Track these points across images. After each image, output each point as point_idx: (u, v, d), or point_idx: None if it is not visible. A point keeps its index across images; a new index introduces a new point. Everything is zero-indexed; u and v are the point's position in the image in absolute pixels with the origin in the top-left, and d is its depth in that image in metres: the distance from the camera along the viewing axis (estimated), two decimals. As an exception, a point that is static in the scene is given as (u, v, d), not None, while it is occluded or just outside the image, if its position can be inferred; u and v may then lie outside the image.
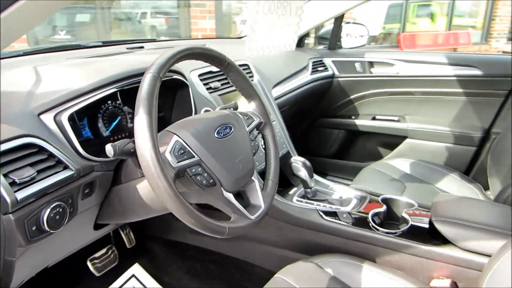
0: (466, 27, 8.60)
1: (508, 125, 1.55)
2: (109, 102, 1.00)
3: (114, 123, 1.02)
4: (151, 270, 1.50)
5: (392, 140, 2.01)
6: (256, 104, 1.02)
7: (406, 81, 1.94)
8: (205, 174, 0.79)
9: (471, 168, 1.84)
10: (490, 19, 8.46)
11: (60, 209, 0.76)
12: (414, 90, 1.94)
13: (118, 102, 1.02)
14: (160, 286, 1.45)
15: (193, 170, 0.77)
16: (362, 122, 2.07)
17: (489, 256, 0.89)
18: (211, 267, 1.46)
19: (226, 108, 1.02)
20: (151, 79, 0.72)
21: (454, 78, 1.82)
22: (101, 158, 0.87)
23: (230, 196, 0.84)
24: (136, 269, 1.50)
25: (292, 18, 1.27)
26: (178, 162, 0.75)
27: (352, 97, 2.10)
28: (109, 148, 0.73)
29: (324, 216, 1.19)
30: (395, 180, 1.62)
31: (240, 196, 0.90)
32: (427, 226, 1.12)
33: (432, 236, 1.08)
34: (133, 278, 1.48)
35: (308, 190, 1.30)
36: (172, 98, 1.17)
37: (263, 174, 1.02)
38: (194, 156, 0.78)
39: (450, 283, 1.04)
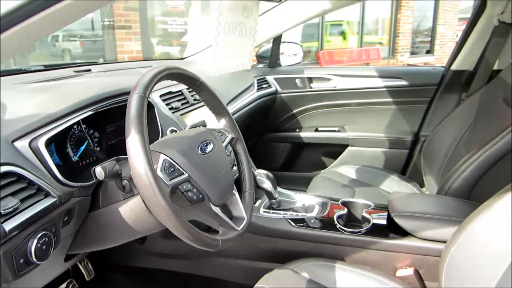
0: (375, 44, 9.45)
1: (435, 128, 1.77)
2: (75, 127, 0.96)
3: (82, 148, 0.98)
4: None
5: (335, 149, 2.16)
6: (226, 120, 1.06)
7: (343, 94, 2.11)
8: (195, 190, 0.80)
9: (406, 169, 2.04)
10: (394, 36, 9.38)
11: (46, 239, 0.72)
12: (351, 101, 2.11)
13: (83, 126, 0.99)
14: None
15: (184, 186, 0.79)
16: (306, 134, 2.20)
17: (445, 242, 1.00)
18: (179, 289, 1.44)
19: (196, 126, 1.04)
20: (139, 99, 0.73)
21: (385, 89, 2.03)
22: (79, 183, 0.84)
23: (218, 210, 0.86)
24: (98, 302, 1.41)
25: (247, 38, 1.33)
26: (170, 180, 0.76)
27: (295, 111, 2.21)
28: (99, 170, 0.72)
29: (292, 223, 1.25)
30: (345, 185, 1.74)
31: (224, 209, 0.92)
32: (386, 222, 1.23)
33: (392, 230, 1.19)
34: (95, 313, 1.39)
35: (273, 200, 1.35)
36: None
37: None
38: (183, 173, 0.79)
39: (413, 271, 1.15)
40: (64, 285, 1.29)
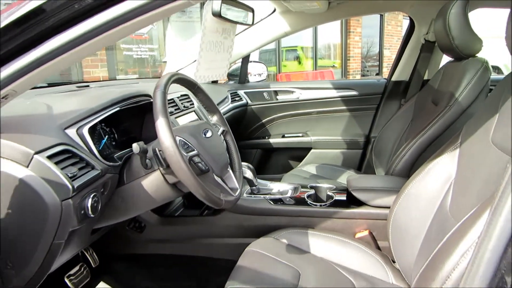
0: (328, 67, 10.10)
1: (382, 129, 2.13)
2: (99, 124, 1.20)
3: (103, 141, 1.22)
4: (116, 286, 1.61)
5: (300, 152, 2.48)
6: (217, 117, 1.33)
7: (305, 104, 2.45)
8: (203, 162, 1.06)
9: (361, 165, 2.39)
10: (346, 59, 10.09)
11: (96, 199, 0.95)
12: (312, 110, 2.45)
13: (103, 124, 1.23)
14: None
15: (195, 159, 1.04)
16: (274, 140, 2.50)
17: (389, 207, 1.31)
18: (175, 270, 1.64)
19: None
20: (162, 94, 0.99)
21: (340, 98, 2.39)
22: (110, 163, 1.07)
23: (219, 180, 1.12)
24: (103, 285, 1.59)
25: (224, 54, 1.62)
26: (187, 153, 1.02)
27: (263, 120, 2.52)
28: (135, 146, 0.97)
29: (271, 202, 1.52)
30: (310, 180, 2.04)
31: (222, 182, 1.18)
32: (345, 198, 1.54)
33: (350, 203, 1.50)
34: (101, 296, 1.57)
35: (254, 187, 1.61)
36: (141, 121, 1.40)
37: None
38: (194, 150, 1.05)
39: (368, 233, 1.45)
40: (77, 267, 1.47)
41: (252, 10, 1.57)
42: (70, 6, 0.71)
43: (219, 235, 1.59)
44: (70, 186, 0.85)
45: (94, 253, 1.62)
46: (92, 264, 1.60)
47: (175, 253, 1.64)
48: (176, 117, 1.55)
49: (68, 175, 0.87)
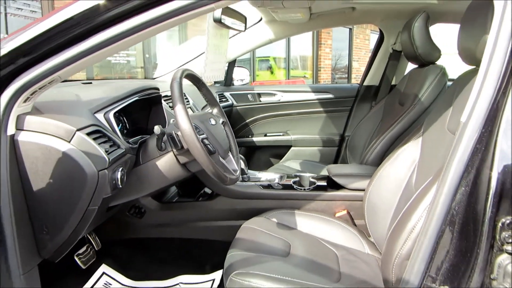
0: (300, 77, 10.45)
1: (355, 129, 2.38)
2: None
3: (118, 128, 1.37)
4: (117, 268, 1.74)
5: (281, 150, 2.69)
6: (217, 109, 1.52)
7: (286, 105, 2.67)
8: (211, 144, 1.24)
9: (337, 161, 2.63)
10: (317, 70, 10.48)
11: (123, 173, 1.11)
12: (292, 111, 2.68)
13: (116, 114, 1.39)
14: (128, 280, 1.71)
15: (205, 141, 1.22)
16: (257, 139, 2.71)
17: (364, 190, 1.53)
18: (174, 252, 1.80)
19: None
20: (178, 85, 1.17)
21: (317, 101, 2.63)
22: (130, 145, 1.23)
23: (223, 161, 1.30)
24: (104, 268, 1.72)
25: (222, 56, 1.82)
26: (199, 135, 1.20)
27: (247, 120, 2.72)
28: (157, 128, 1.14)
29: (262, 187, 1.72)
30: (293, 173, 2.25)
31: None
32: (326, 183, 1.75)
33: (330, 187, 1.71)
34: (104, 276, 1.70)
35: (245, 176, 1.80)
36: (147, 113, 1.57)
37: None
38: (204, 133, 1.24)
39: (346, 213, 1.67)
40: (84, 248, 1.60)
41: (245, 18, 1.77)
42: (111, 10, 0.89)
43: (214, 218, 1.76)
44: (107, 158, 1.01)
45: (97, 238, 1.75)
46: (95, 247, 1.72)
47: (173, 237, 1.79)
48: (176, 111, 1.72)
49: (106, 149, 1.03)
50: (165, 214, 1.77)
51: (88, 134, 1.04)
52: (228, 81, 2.73)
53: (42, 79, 0.93)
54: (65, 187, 1.02)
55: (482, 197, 0.76)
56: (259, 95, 2.71)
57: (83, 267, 1.55)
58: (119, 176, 1.08)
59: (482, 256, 0.76)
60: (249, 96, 2.69)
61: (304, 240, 1.45)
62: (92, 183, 1.01)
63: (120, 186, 1.09)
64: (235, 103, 2.69)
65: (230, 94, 2.68)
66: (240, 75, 2.83)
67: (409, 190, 1.27)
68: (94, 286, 1.65)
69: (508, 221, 0.73)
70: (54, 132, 0.99)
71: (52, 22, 0.88)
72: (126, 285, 1.70)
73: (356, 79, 11.60)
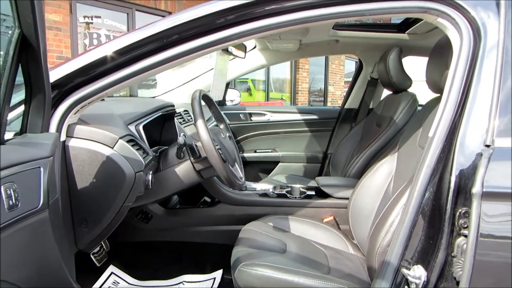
0: (278, 99, 10.78)
1: (337, 147, 2.64)
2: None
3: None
4: (124, 268, 1.90)
5: (269, 166, 2.93)
6: (224, 125, 1.74)
7: (274, 125, 2.93)
8: (224, 154, 1.46)
9: (320, 176, 2.87)
10: (294, 93, 10.86)
11: (152, 176, 1.31)
12: (280, 130, 2.95)
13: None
14: (135, 280, 1.87)
15: (220, 151, 1.44)
16: (248, 155, 2.93)
17: (348, 198, 1.77)
18: (177, 254, 1.97)
19: None
20: (198, 103, 1.39)
21: (303, 121, 2.90)
22: (154, 153, 1.43)
23: (232, 169, 1.52)
24: (113, 268, 1.88)
25: (223, 79, 2.06)
26: (215, 146, 1.41)
27: (239, 138, 2.95)
28: (181, 138, 1.35)
29: (259, 195, 1.93)
30: (281, 185, 2.48)
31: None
32: (314, 193, 1.98)
33: (319, 196, 1.95)
34: (112, 275, 1.86)
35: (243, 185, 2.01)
36: (160, 128, 1.77)
37: None
38: (218, 145, 1.45)
39: (333, 218, 1.90)
40: (98, 248, 1.76)
41: (245, 47, 2.02)
42: (157, 41, 1.11)
43: (214, 223, 1.95)
44: (143, 162, 1.21)
45: (106, 240, 1.91)
46: (105, 249, 1.88)
47: (177, 240, 1.97)
48: (184, 127, 1.93)
49: (140, 155, 1.23)
50: (170, 219, 1.95)
51: (127, 142, 1.24)
52: (222, 101, 2.97)
53: (93, 96, 1.13)
54: (106, 186, 1.21)
55: (444, 194, 1.00)
56: (250, 114, 2.96)
57: (98, 264, 1.71)
58: (150, 178, 1.28)
59: (445, 239, 1.00)
60: (241, 115, 2.94)
61: (298, 241, 1.66)
62: (130, 182, 1.20)
63: (150, 187, 1.29)
64: (228, 121, 2.92)
65: (224, 113, 2.91)
66: (231, 96, 3.07)
67: (387, 197, 1.51)
68: (103, 286, 1.80)
69: (463, 211, 0.98)
70: (100, 139, 1.19)
71: (104, 51, 1.09)
72: (133, 284, 1.86)
73: (331, 103, 12.06)
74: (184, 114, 2.04)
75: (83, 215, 1.22)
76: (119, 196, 1.21)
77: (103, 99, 1.96)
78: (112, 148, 1.19)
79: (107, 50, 1.10)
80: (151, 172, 1.31)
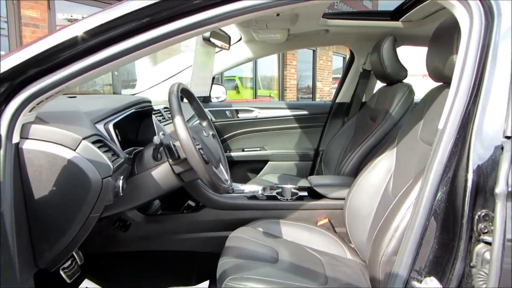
0: (266, 96, 10.68)
1: (328, 143, 2.50)
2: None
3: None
4: (101, 283, 1.73)
5: (258, 165, 2.77)
6: (206, 122, 1.59)
7: (263, 121, 2.78)
8: (206, 154, 1.30)
9: (311, 174, 2.73)
10: (283, 89, 10.76)
11: (123, 181, 1.15)
12: (269, 127, 2.79)
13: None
14: None
15: (200, 151, 1.28)
16: (235, 154, 2.78)
17: (344, 199, 1.63)
18: (159, 265, 1.81)
19: None
20: (176, 97, 1.23)
21: (292, 117, 2.75)
22: (127, 155, 1.27)
23: (216, 171, 1.37)
24: (87, 283, 1.71)
25: (208, 73, 1.90)
26: (196, 145, 1.26)
27: (226, 136, 2.79)
28: (156, 138, 1.19)
29: (247, 198, 1.78)
30: (270, 187, 2.33)
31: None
32: (307, 194, 1.84)
33: (312, 197, 1.80)
34: (87, 291, 1.69)
35: (230, 187, 1.86)
36: (136, 127, 1.61)
37: None
38: (199, 144, 1.30)
39: (328, 221, 1.76)
40: (69, 262, 1.59)
41: (229, 38, 1.87)
42: (122, 26, 0.95)
43: (200, 230, 1.79)
44: (112, 166, 1.05)
45: (79, 251, 1.73)
46: (79, 262, 1.71)
47: (159, 249, 1.81)
48: (164, 125, 1.77)
49: (108, 158, 1.07)
50: (151, 227, 1.79)
51: (92, 143, 1.07)
52: (206, 98, 2.81)
53: (51, 89, 0.96)
54: (68, 195, 1.04)
55: (460, 194, 0.87)
56: (237, 111, 2.80)
57: (68, 281, 1.54)
58: (120, 184, 1.12)
59: (462, 247, 0.86)
60: (227, 112, 2.78)
61: (290, 247, 1.52)
62: (96, 190, 1.04)
63: (121, 194, 1.13)
64: (213, 119, 2.76)
65: (209, 110, 2.75)
66: (217, 93, 2.91)
67: (386, 196, 1.38)
68: (77, 302, 1.63)
69: (483, 213, 0.84)
70: (60, 140, 1.02)
71: (64, 35, 0.93)
72: (110, 300, 1.69)
73: (320, 99, 11.99)
74: (164, 111, 1.88)
75: (43, 229, 1.05)
76: (84, 205, 1.05)
77: (75, 96, 1.79)
78: (75, 150, 1.03)
79: (66, 35, 0.93)
80: (122, 177, 1.14)
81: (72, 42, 0.93)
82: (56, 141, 1.02)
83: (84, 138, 1.05)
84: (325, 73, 12.26)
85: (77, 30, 0.93)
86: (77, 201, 1.05)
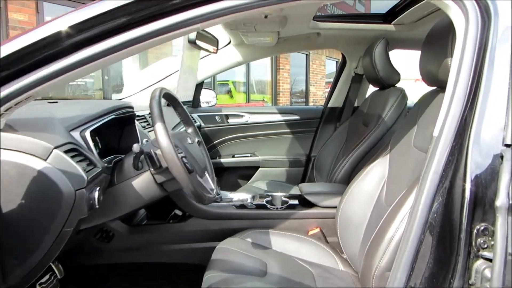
0: (259, 101, 10.64)
1: (321, 149, 2.45)
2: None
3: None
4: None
5: (249, 171, 2.71)
6: (192, 129, 1.52)
7: (253, 127, 2.71)
8: (189, 163, 1.24)
9: (303, 181, 2.67)
10: (276, 94, 10.73)
11: (100, 192, 1.08)
12: (259, 132, 2.72)
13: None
14: None
15: (184, 159, 1.22)
16: (225, 160, 2.71)
17: (335, 207, 1.57)
18: (144, 278, 1.73)
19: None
20: (157, 103, 1.17)
21: (284, 122, 2.69)
22: (105, 164, 1.20)
23: (201, 180, 1.30)
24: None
25: (192, 77, 1.84)
26: (179, 154, 1.19)
27: (215, 142, 2.72)
28: (136, 146, 1.12)
29: (235, 207, 1.71)
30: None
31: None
32: (297, 202, 1.78)
33: (303, 205, 1.74)
34: (68, 306, 1.60)
35: (217, 196, 1.79)
36: (119, 133, 1.53)
37: None
38: (182, 152, 1.23)
39: (319, 230, 1.69)
40: (48, 276, 1.50)
41: (217, 41, 1.81)
42: (96, 27, 0.88)
43: (186, 241, 1.72)
44: (85, 177, 0.98)
45: (59, 265, 1.65)
46: (58, 276, 1.62)
47: (144, 261, 1.73)
48: (149, 131, 1.70)
49: (83, 168, 1.00)
50: (135, 238, 1.71)
51: (65, 152, 1.00)
52: (195, 102, 2.74)
53: (20, 95, 0.89)
54: (39, 208, 0.97)
55: (457, 206, 0.81)
56: (227, 116, 2.74)
57: (46, 297, 1.46)
58: (96, 196, 1.05)
59: (460, 263, 0.80)
60: (216, 117, 2.71)
61: (280, 259, 1.45)
62: (69, 203, 0.97)
63: (97, 206, 1.06)
64: (202, 124, 2.69)
65: (198, 116, 2.68)
66: (206, 98, 2.84)
67: (379, 205, 1.32)
68: (57, 318, 1.55)
69: (482, 227, 0.79)
70: (29, 149, 0.95)
71: (34, 37, 0.86)
72: (92, 315, 1.61)
73: (313, 103, 11.97)
74: (149, 117, 1.81)
75: (12, 244, 0.98)
76: (56, 219, 0.98)
77: (56, 101, 1.71)
78: (45, 160, 0.96)
79: (37, 36, 0.87)
80: (98, 189, 1.07)
81: (42, 45, 0.86)
82: (26, 151, 0.95)
83: (56, 147, 0.97)
84: (318, 78, 12.25)
85: (47, 31, 0.86)
86: (49, 215, 0.97)
